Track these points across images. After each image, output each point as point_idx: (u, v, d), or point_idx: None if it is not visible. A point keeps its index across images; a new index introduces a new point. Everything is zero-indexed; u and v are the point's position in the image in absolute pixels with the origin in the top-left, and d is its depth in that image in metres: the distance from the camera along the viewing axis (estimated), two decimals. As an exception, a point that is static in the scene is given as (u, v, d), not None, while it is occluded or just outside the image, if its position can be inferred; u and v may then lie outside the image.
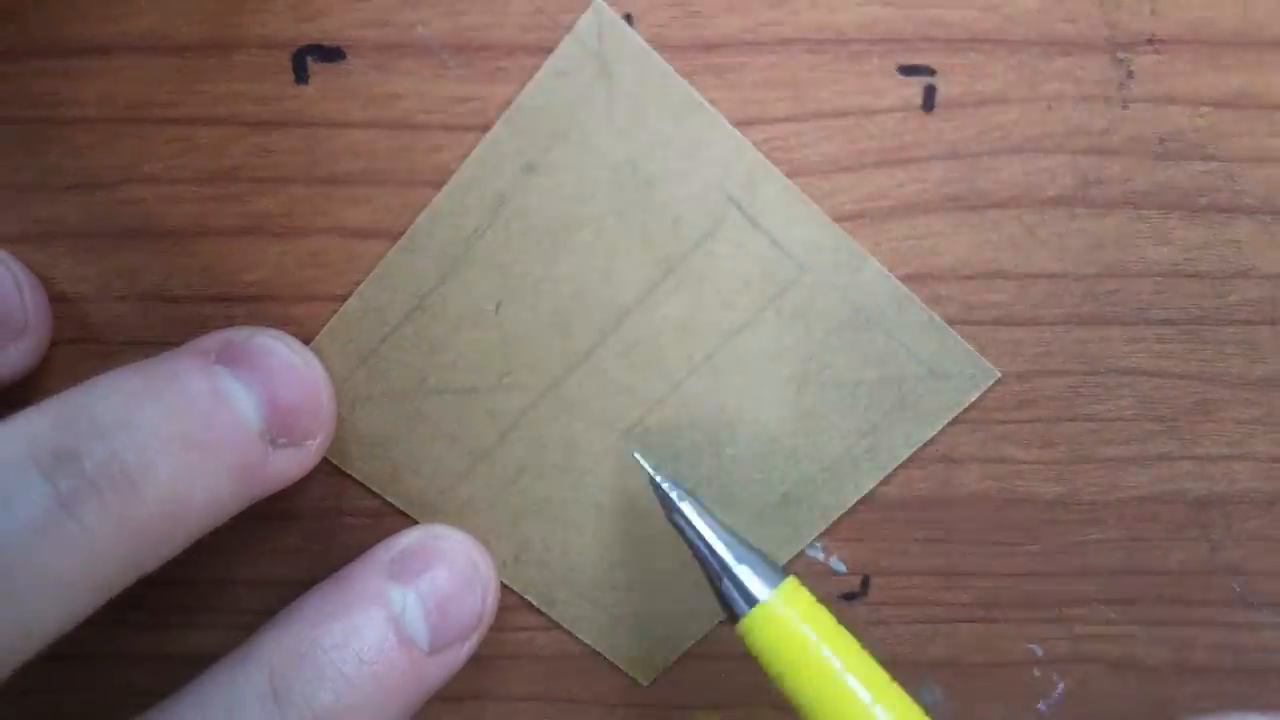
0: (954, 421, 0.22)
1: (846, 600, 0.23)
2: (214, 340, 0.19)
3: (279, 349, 0.19)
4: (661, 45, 0.19)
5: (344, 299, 0.20)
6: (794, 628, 0.19)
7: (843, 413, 0.21)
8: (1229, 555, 0.23)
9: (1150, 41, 0.19)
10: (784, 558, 0.23)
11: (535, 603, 0.23)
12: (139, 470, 0.16)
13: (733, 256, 0.20)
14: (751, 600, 0.19)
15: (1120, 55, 0.19)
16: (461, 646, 0.21)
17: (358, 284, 0.20)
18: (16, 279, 0.19)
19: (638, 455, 0.21)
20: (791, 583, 0.19)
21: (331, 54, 0.19)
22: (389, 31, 0.19)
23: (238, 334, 0.19)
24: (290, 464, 0.19)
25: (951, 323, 0.21)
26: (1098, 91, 0.19)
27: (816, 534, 0.22)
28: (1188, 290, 0.21)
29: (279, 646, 0.19)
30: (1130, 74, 0.19)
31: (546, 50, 0.19)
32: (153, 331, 0.20)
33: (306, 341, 0.20)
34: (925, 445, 0.22)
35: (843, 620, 0.19)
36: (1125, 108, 0.20)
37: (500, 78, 0.19)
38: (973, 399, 0.21)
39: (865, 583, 0.23)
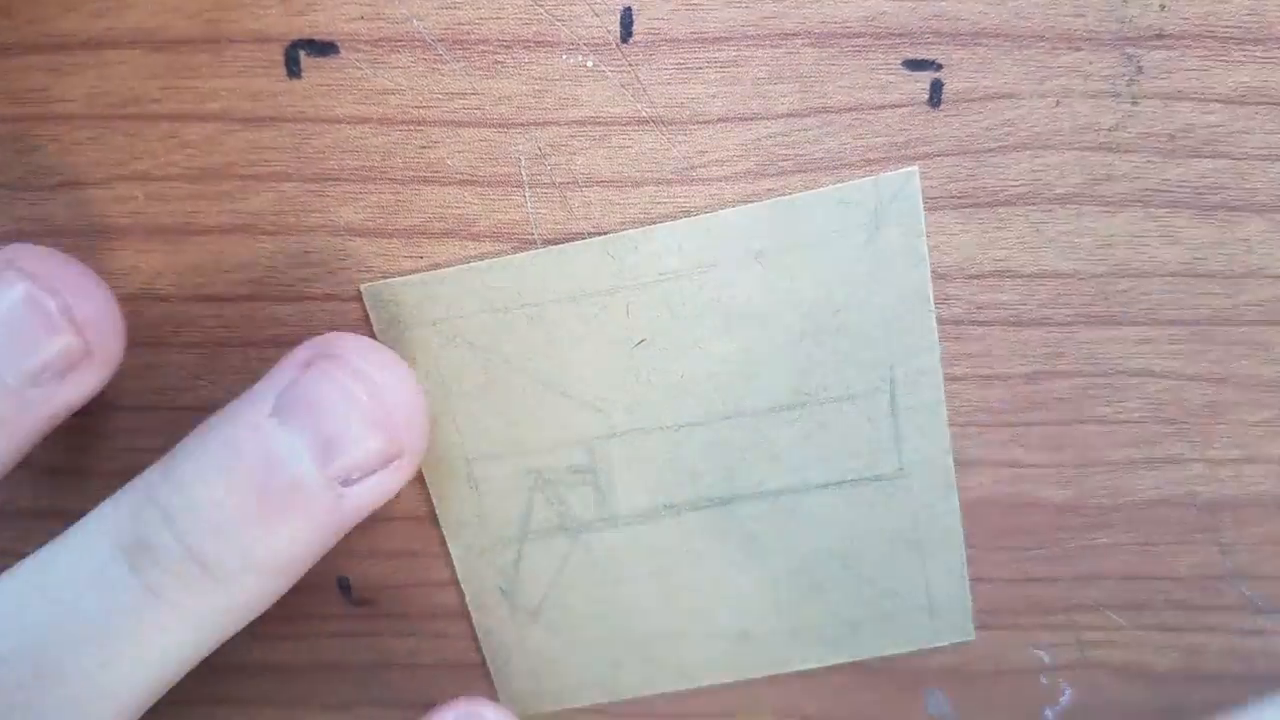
0: (958, 423, 0.21)
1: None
2: (278, 379, 0.18)
3: (341, 380, 0.18)
4: (662, 39, 0.19)
5: (338, 298, 0.20)
6: None
7: (842, 597, 0.22)
8: (1240, 560, 0.23)
9: (1160, 37, 0.19)
10: (718, 681, 0.23)
11: (466, 597, 0.23)
12: (207, 555, 0.18)
13: (857, 426, 0.21)
14: None
15: (1130, 51, 0.19)
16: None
17: (351, 281, 0.20)
18: (67, 307, 0.18)
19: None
20: None
21: (324, 48, 0.18)
22: (383, 25, 0.18)
23: (305, 356, 0.18)
24: (371, 493, 0.19)
25: (958, 323, 0.21)
26: (1107, 87, 0.19)
27: (751, 677, 0.23)
28: (1198, 290, 0.21)
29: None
30: (1140, 70, 0.19)
31: (543, 44, 0.18)
32: (143, 331, 0.20)
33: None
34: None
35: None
36: (1135, 104, 0.19)
37: (497, 72, 0.19)
38: (943, 644, 0.23)
39: (869, 588, 0.23)
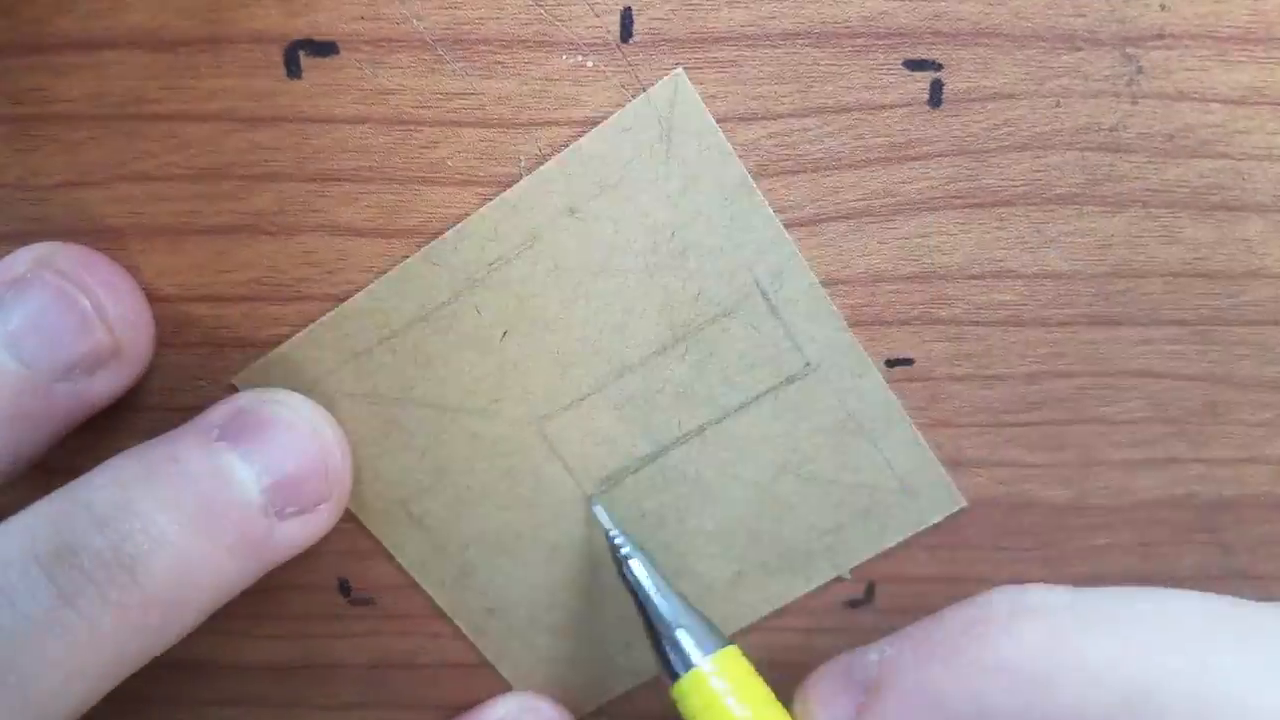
0: (959, 424, 0.21)
1: (852, 607, 0.23)
2: (220, 413, 0.19)
3: (284, 416, 0.19)
4: (661, 39, 0.19)
5: (337, 298, 0.20)
6: (724, 699, 0.19)
7: (812, 507, 0.22)
8: (1241, 559, 0.23)
9: (1160, 37, 0.19)
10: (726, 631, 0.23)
11: (464, 629, 0.23)
12: (136, 561, 0.17)
13: (745, 338, 0.20)
14: (688, 664, 0.19)
15: (1130, 50, 0.19)
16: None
17: (351, 282, 0.20)
18: (97, 302, 0.19)
19: (598, 508, 0.21)
20: (732, 651, 0.19)
21: (324, 48, 0.18)
22: (382, 25, 0.18)
23: (246, 400, 0.19)
24: (300, 532, 0.19)
25: (959, 323, 0.21)
26: (1107, 87, 0.19)
27: (758, 618, 0.23)
28: (1198, 290, 0.21)
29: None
30: (1140, 70, 0.19)
31: (543, 44, 0.18)
32: (142, 332, 0.20)
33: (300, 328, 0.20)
34: (929, 448, 0.22)
35: (845, 628, 0.19)
36: (1135, 104, 0.19)
37: (497, 72, 0.19)
38: (935, 521, 0.22)
39: (870, 589, 0.23)
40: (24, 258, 0.19)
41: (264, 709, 0.24)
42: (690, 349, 0.20)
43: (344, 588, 0.23)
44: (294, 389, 0.20)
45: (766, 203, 0.20)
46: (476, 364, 0.20)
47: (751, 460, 0.21)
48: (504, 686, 0.24)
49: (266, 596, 0.22)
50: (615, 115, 0.19)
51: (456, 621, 0.23)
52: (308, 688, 0.24)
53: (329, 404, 0.20)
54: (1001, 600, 0.17)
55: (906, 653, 0.18)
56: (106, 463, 0.18)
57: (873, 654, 0.18)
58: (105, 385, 0.19)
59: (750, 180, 0.19)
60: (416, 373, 0.20)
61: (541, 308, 0.20)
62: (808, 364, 0.21)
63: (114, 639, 0.17)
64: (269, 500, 0.18)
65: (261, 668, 0.24)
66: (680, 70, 0.19)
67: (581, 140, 0.19)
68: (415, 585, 0.23)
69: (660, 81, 0.19)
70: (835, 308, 0.20)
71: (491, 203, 0.19)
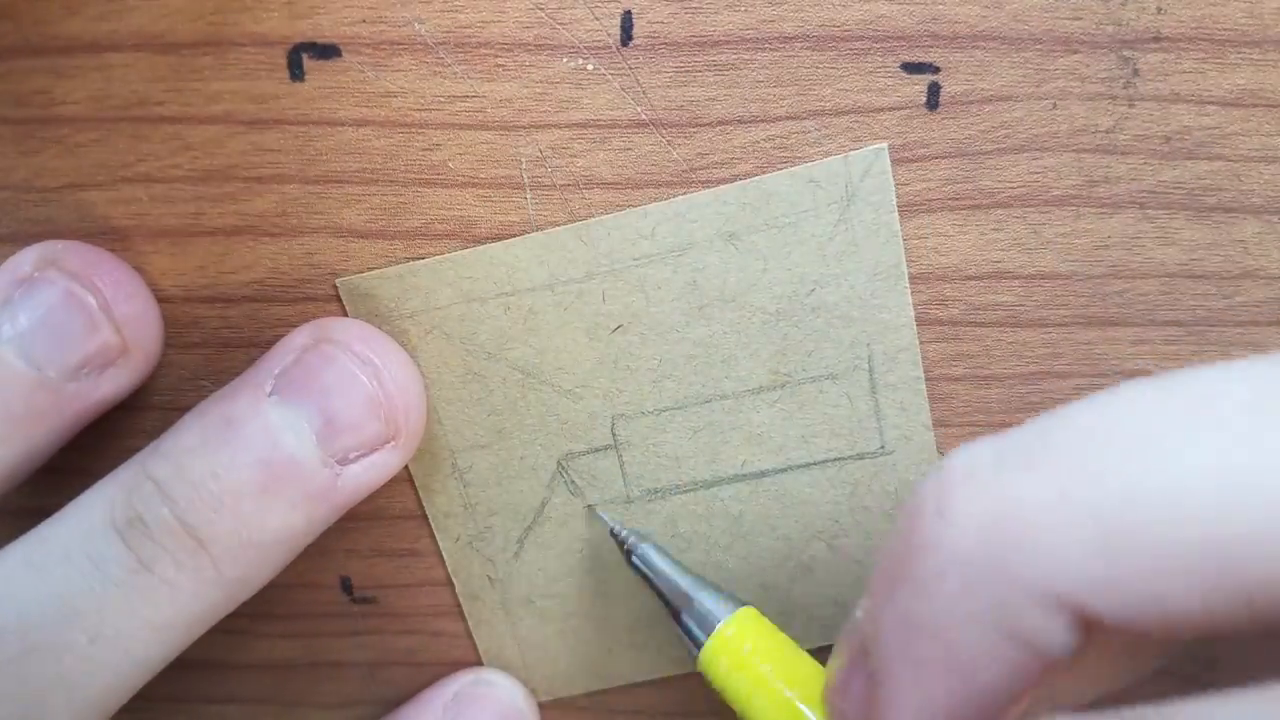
0: (956, 424, 0.21)
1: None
2: (277, 359, 0.19)
3: (340, 359, 0.19)
4: (661, 42, 0.19)
5: (341, 299, 0.20)
6: (751, 656, 0.19)
7: (829, 576, 0.22)
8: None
9: (1156, 39, 0.19)
10: None
11: (458, 589, 0.23)
12: (199, 528, 0.18)
13: (837, 405, 0.21)
14: (711, 626, 0.19)
15: (1126, 53, 0.19)
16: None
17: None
18: (106, 302, 0.19)
19: (600, 511, 0.22)
20: (751, 611, 0.19)
21: (327, 51, 0.19)
22: (385, 29, 0.18)
23: (303, 339, 0.19)
24: (367, 474, 0.19)
25: (956, 324, 0.21)
26: (1103, 90, 0.19)
27: None
28: (1194, 291, 0.21)
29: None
30: (1136, 72, 0.19)
31: (544, 47, 0.19)
32: (146, 333, 0.20)
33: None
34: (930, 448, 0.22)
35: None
36: (1131, 106, 0.19)
37: (498, 75, 0.19)
38: None
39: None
40: (29, 257, 0.19)
41: (265, 708, 0.24)
42: (783, 398, 0.21)
43: (346, 586, 0.23)
44: (393, 312, 0.20)
45: (909, 293, 0.20)
46: (581, 346, 0.21)
47: (793, 517, 0.22)
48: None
49: (268, 596, 0.22)
50: (809, 165, 0.19)
51: (454, 579, 0.23)
52: (309, 687, 0.24)
53: (424, 335, 0.20)
54: (928, 491, 0.14)
55: (869, 597, 0.16)
56: (173, 427, 0.18)
57: (857, 612, 0.17)
58: (114, 385, 0.19)
59: (905, 268, 0.20)
60: (520, 335, 0.20)
61: (664, 315, 0.20)
62: (882, 447, 0.21)
63: (192, 596, 0.18)
64: (328, 450, 0.18)
65: (263, 667, 0.24)
66: (884, 146, 0.19)
67: (768, 176, 0.19)
68: (416, 585, 0.23)
69: (863, 150, 0.19)
70: (929, 406, 0.21)
71: (659, 204, 0.20)
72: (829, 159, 0.19)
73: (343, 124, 0.19)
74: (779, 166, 0.19)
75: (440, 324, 0.20)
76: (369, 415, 0.19)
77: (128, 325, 0.19)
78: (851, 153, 0.19)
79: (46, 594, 0.17)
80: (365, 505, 0.22)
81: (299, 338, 0.19)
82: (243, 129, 0.19)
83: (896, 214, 0.20)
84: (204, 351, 0.21)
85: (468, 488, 0.22)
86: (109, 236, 0.20)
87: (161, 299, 0.20)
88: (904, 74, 0.19)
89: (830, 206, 0.20)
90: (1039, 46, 0.19)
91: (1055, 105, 0.19)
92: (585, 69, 0.19)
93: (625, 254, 0.20)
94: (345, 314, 0.20)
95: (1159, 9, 0.19)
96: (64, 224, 0.19)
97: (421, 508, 0.22)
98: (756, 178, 0.19)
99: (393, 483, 0.21)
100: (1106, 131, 0.19)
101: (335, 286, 0.20)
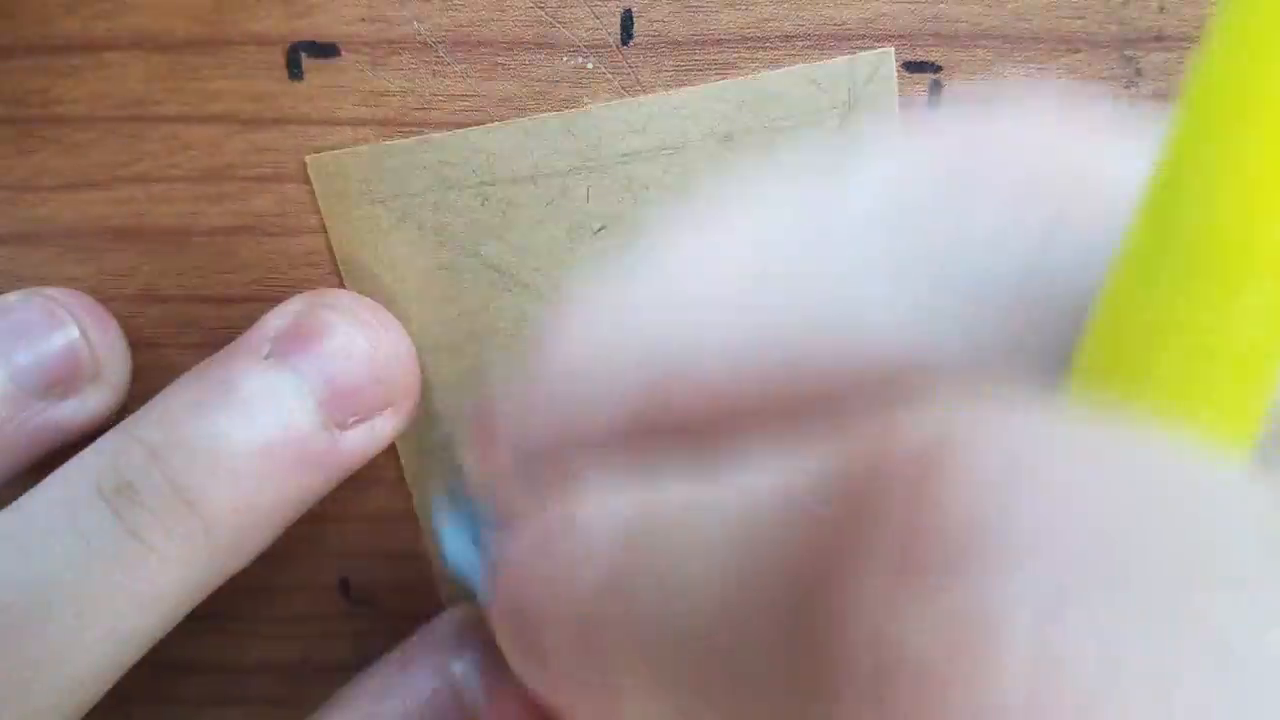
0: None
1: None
2: (273, 324, 0.18)
3: (337, 324, 0.18)
4: (662, 41, 0.19)
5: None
6: None
7: None
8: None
9: (1159, 39, 0.19)
10: None
11: (415, 500, 0.21)
12: (192, 493, 0.17)
13: None
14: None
15: (1128, 52, 0.19)
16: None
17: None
18: (82, 326, 0.19)
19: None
20: None
21: (325, 50, 0.18)
22: (384, 27, 0.18)
23: (300, 305, 0.19)
24: (365, 439, 0.18)
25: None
26: (1106, 89, 0.19)
27: None
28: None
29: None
30: (1139, 72, 0.19)
31: (544, 46, 0.18)
32: (144, 332, 0.20)
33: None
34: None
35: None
36: (1133, 106, 0.19)
37: (498, 74, 0.19)
38: None
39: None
40: (11, 296, 0.19)
41: (265, 708, 0.24)
42: None
43: (344, 587, 0.23)
44: (363, 195, 0.19)
45: None
46: (561, 245, 0.19)
47: None
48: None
49: (267, 596, 0.22)
50: (810, 65, 0.18)
51: (412, 490, 0.22)
52: (308, 688, 0.24)
53: (395, 223, 0.19)
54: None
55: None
56: (165, 390, 0.18)
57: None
58: (81, 410, 0.19)
59: None
60: (496, 229, 0.19)
61: (645, 218, 0.19)
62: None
63: (183, 565, 0.17)
64: (326, 414, 0.18)
65: (262, 668, 0.24)
66: (891, 50, 0.18)
67: (765, 75, 0.18)
68: (416, 585, 0.23)
69: (870, 53, 0.18)
70: None
71: (652, 96, 0.19)
72: (833, 60, 0.18)
73: (342, 123, 0.19)
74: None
75: (414, 212, 0.19)
76: (368, 380, 0.18)
77: (102, 348, 0.19)
78: (858, 54, 0.18)
79: (29, 569, 0.17)
80: (365, 506, 0.22)
81: (293, 304, 0.19)
82: (241, 128, 0.19)
83: (899, 124, 0.19)
84: (202, 352, 0.21)
85: (433, 391, 0.21)
86: (107, 236, 0.20)
87: (160, 299, 0.20)
88: (906, 73, 0.19)
89: (831, 111, 0.19)
90: (1041, 46, 0.19)
91: (1057, 104, 0.19)
92: (585, 67, 0.19)
93: (614, 149, 0.19)
94: (314, 195, 0.19)
95: (1161, 8, 0.19)
96: (62, 224, 0.19)
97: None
98: (756, 74, 0.19)
99: (392, 484, 0.21)
100: (1109, 131, 0.19)
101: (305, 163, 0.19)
